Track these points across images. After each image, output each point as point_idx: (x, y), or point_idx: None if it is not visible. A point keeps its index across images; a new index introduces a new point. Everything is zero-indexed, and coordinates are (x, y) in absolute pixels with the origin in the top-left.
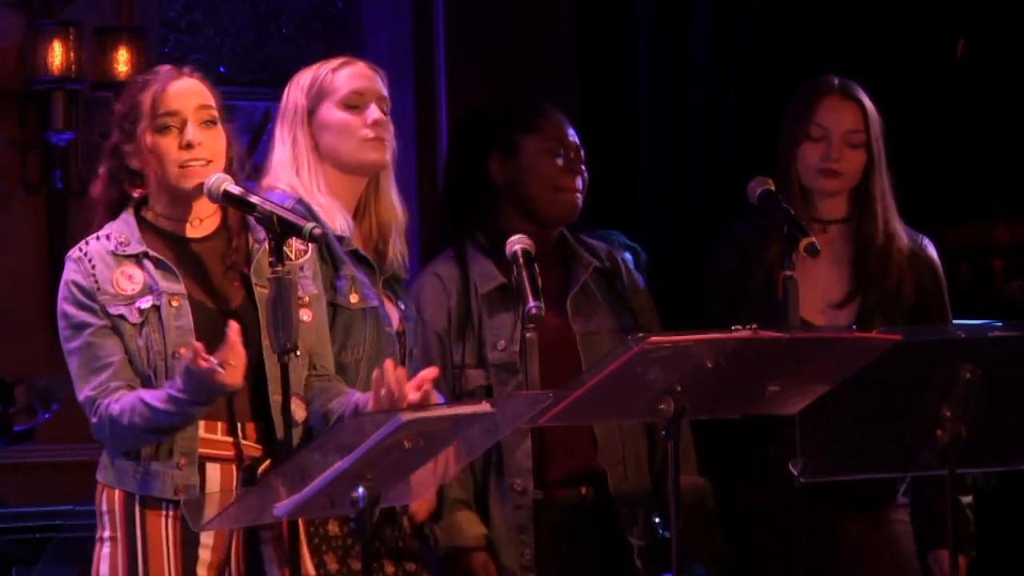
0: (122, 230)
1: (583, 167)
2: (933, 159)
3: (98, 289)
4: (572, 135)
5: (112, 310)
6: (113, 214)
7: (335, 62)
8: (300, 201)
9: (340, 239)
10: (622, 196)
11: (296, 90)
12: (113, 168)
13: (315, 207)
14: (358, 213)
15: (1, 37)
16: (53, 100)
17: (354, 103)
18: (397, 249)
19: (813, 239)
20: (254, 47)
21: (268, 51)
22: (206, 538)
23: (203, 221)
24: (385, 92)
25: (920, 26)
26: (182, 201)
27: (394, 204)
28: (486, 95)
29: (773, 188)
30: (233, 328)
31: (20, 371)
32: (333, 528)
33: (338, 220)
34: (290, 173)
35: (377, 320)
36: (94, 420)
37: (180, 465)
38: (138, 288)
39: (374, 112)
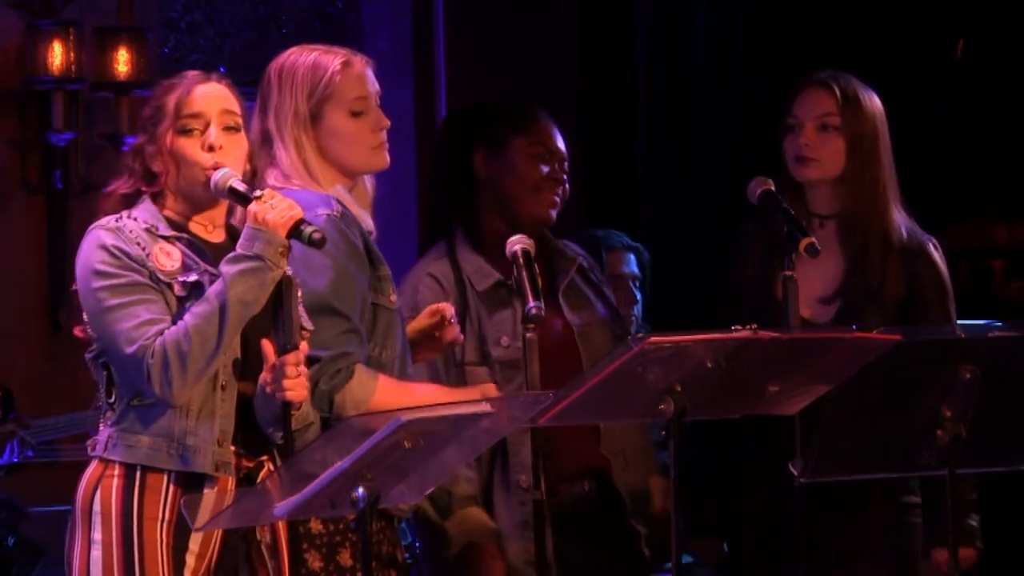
0: (147, 217)
1: (565, 177)
2: (933, 159)
3: (147, 256)
4: (560, 144)
5: (161, 278)
6: (124, 208)
7: (330, 60)
8: (338, 203)
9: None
10: (622, 196)
11: (293, 91)
12: (135, 167)
13: (349, 206)
14: None
15: (1, 37)
16: (53, 100)
17: (359, 108)
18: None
19: (813, 239)
20: (254, 47)
21: (268, 51)
22: (193, 544)
23: (215, 228)
24: (377, 84)
25: (920, 26)
26: (197, 206)
27: (367, 190)
28: (486, 95)
29: (773, 188)
30: None
31: (20, 371)
32: (316, 526)
33: (368, 218)
34: (303, 176)
35: (401, 316)
36: (150, 361)
37: (219, 442)
38: (177, 265)
39: (379, 117)
